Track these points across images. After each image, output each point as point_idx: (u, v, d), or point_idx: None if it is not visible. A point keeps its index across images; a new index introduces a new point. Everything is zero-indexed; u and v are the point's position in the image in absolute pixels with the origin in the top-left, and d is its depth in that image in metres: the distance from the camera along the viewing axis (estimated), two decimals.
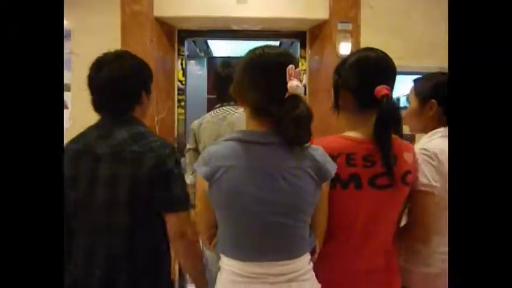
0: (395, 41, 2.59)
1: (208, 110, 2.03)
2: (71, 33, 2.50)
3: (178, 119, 2.91)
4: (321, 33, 2.70)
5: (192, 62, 5.47)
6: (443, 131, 1.31)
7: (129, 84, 1.26)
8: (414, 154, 1.22)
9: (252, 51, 1.05)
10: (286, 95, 0.97)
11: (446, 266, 1.21)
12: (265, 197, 0.97)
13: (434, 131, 1.33)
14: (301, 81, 0.99)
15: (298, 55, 2.94)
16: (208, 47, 4.83)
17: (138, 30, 2.51)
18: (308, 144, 1.01)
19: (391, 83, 1.14)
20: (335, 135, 1.17)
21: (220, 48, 5.03)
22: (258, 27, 2.79)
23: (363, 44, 2.56)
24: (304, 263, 1.02)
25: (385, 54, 1.19)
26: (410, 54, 2.59)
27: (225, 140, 1.02)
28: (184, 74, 2.92)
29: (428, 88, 1.35)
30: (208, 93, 5.29)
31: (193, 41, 4.35)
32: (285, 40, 3.45)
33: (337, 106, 1.22)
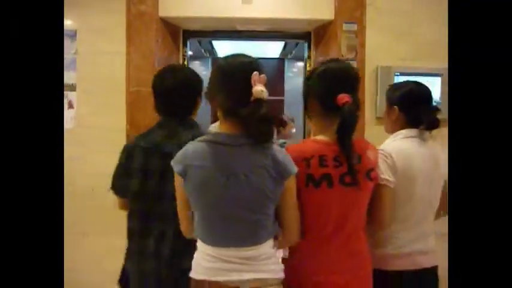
0: (400, 42, 2.57)
1: (213, 110, 2.08)
2: (76, 34, 2.51)
3: None
4: (326, 33, 2.69)
5: (197, 62, 5.49)
6: (405, 132, 1.50)
7: (189, 91, 1.47)
8: (375, 152, 1.37)
9: (222, 59, 1.22)
10: (252, 98, 1.09)
11: (403, 249, 1.44)
12: (229, 194, 1.10)
13: (397, 133, 1.52)
14: (266, 86, 1.12)
15: (305, 56, 2.93)
16: (213, 47, 4.84)
17: (143, 30, 2.51)
18: (273, 145, 1.15)
19: (352, 90, 1.28)
20: (307, 140, 1.35)
21: (225, 48, 5.03)
22: (263, 28, 2.79)
23: (368, 45, 2.55)
24: (267, 248, 1.16)
25: (348, 65, 1.38)
26: (415, 55, 2.58)
27: (199, 141, 1.16)
28: None
29: (393, 96, 1.55)
30: None
31: (198, 42, 4.36)
32: (290, 41, 3.44)
33: (306, 111, 1.39)
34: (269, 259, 1.16)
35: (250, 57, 1.18)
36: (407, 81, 1.61)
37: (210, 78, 1.19)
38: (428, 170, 1.47)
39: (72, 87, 2.52)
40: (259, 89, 1.09)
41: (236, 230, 1.13)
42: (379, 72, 2.55)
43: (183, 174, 1.12)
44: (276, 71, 5.61)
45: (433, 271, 1.50)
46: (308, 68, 2.89)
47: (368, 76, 2.56)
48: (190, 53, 3.00)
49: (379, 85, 2.56)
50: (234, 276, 1.12)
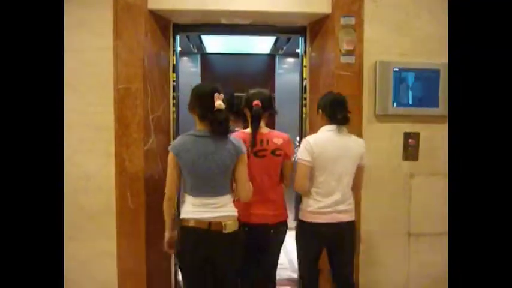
0: (399, 37, 2.51)
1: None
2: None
3: (173, 118, 2.79)
4: (322, 28, 2.61)
5: (185, 58, 5.35)
6: (327, 127, 2.15)
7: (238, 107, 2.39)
8: (285, 139, 2.18)
9: (197, 87, 1.96)
10: (215, 109, 1.83)
11: (317, 205, 2.11)
12: (207, 164, 1.85)
13: (322, 127, 2.18)
14: (223, 100, 1.85)
15: (301, 51, 2.83)
16: (202, 42, 4.70)
17: (131, 23, 2.38)
18: (229, 135, 1.91)
19: (264, 101, 2.18)
20: (240, 131, 2.22)
21: (214, 44, 4.91)
22: (257, 22, 2.68)
23: (367, 39, 2.48)
24: (228, 197, 1.94)
25: (264, 90, 2.27)
26: (415, 51, 2.52)
27: (186, 135, 1.90)
28: (174, 70, 2.78)
29: (319, 102, 2.23)
30: None
31: (187, 37, 4.23)
32: (283, 36, 3.34)
33: (241, 116, 2.40)
34: (229, 204, 1.93)
35: (213, 83, 1.92)
36: (330, 92, 2.28)
37: (190, 98, 1.92)
38: (338, 153, 2.10)
39: None
40: (218, 103, 1.84)
41: (211, 186, 1.88)
42: (377, 68, 2.48)
43: (177, 155, 1.86)
44: (266, 67, 5.50)
45: (349, 224, 2.18)
46: (304, 64, 2.79)
47: (366, 71, 2.49)
48: (179, 48, 2.87)
49: (377, 81, 2.49)
50: (207, 215, 1.86)
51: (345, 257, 2.23)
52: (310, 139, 2.13)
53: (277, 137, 2.16)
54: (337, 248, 2.20)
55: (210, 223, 1.85)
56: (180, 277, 2.97)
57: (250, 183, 1.98)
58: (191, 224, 1.86)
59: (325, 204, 2.11)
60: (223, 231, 1.85)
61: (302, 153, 2.11)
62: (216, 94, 1.84)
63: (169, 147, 1.88)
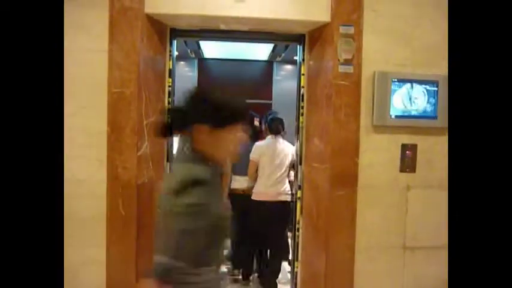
0: (399, 47, 2.48)
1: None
2: None
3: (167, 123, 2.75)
4: (321, 36, 2.58)
5: (182, 63, 5.32)
6: (268, 136, 3.44)
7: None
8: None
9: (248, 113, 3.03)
10: (254, 125, 3.65)
11: (263, 187, 3.36)
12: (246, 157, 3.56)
13: (267, 136, 3.44)
14: (259, 122, 3.75)
15: (299, 59, 2.81)
16: (199, 47, 4.68)
17: (127, 27, 2.34)
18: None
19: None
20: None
21: (212, 49, 4.88)
22: (255, 28, 2.65)
23: (365, 49, 2.45)
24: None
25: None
26: (414, 61, 2.50)
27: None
28: (170, 75, 2.74)
29: (266, 121, 3.51)
30: None
31: (184, 42, 4.20)
32: (281, 43, 3.31)
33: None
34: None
35: (253, 111, 3.76)
36: (271, 113, 3.66)
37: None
38: (273, 153, 3.32)
39: None
40: (255, 123, 3.66)
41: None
42: (376, 78, 2.45)
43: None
44: (263, 74, 5.49)
45: (285, 203, 3.33)
46: (303, 72, 2.77)
47: (365, 82, 2.46)
48: (176, 53, 2.83)
49: (375, 91, 2.46)
50: (243, 186, 3.52)
51: (277, 230, 3.45)
52: (257, 144, 3.41)
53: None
54: (272, 220, 3.32)
55: (244, 190, 3.45)
56: None
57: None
58: (234, 191, 3.47)
59: (268, 185, 3.32)
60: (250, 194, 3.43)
61: (252, 154, 3.36)
62: (256, 118, 3.63)
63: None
